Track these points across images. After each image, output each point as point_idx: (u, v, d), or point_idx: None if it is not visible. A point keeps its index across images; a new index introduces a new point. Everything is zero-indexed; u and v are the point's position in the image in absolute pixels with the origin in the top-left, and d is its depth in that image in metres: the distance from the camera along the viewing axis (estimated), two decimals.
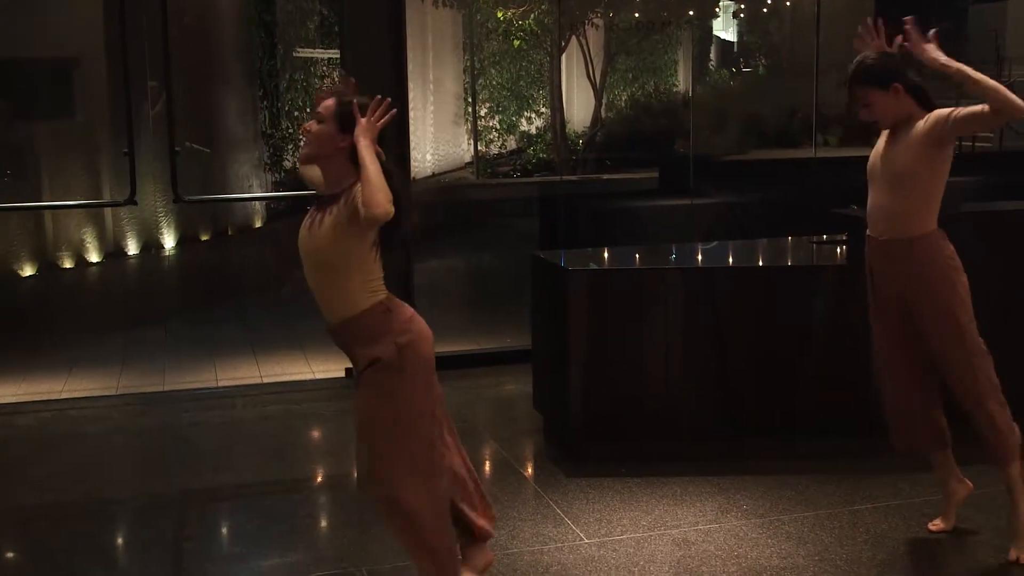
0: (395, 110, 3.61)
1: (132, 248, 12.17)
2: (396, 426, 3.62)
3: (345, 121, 3.59)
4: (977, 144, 15.74)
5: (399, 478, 3.62)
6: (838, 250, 6.02)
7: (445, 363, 7.35)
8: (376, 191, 3.36)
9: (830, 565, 4.42)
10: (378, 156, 3.49)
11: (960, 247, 4.49)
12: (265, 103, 14.22)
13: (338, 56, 7.00)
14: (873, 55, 4.51)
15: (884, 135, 4.52)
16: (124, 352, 8.21)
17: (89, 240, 11.66)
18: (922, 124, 4.31)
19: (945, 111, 4.27)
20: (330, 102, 3.68)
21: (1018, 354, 5.41)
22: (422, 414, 3.68)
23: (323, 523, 5.16)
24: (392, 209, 3.39)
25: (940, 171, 4.39)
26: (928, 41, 4.37)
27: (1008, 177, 11.48)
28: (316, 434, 6.47)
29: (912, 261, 4.40)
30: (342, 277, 3.64)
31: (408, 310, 3.77)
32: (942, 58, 4.30)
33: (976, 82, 4.14)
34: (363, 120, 3.53)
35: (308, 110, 14.69)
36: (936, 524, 4.73)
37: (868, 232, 4.58)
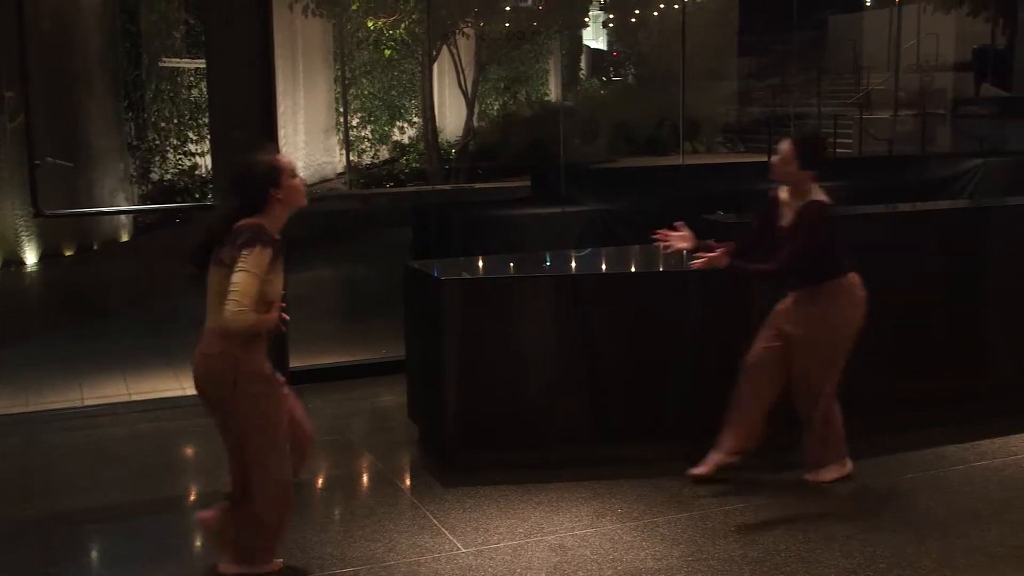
0: None
1: None
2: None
3: None
4: (838, 150, 16.22)
5: None
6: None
7: (319, 375, 7.34)
8: None
9: (704, 565, 4.49)
10: None
11: None
12: (131, 114, 13.90)
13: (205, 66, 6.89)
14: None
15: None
16: None
17: None
18: None
19: None
20: None
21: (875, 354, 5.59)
22: None
23: (196, 542, 5.05)
24: None
25: None
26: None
27: (867, 182, 11.84)
28: (188, 452, 6.33)
29: None
30: None
31: None
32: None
33: None
34: None
35: (175, 120, 14.42)
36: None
37: None
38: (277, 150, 4.41)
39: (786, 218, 5.17)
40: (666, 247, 5.30)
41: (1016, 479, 5.45)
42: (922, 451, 5.79)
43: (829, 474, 5.36)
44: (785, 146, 5.12)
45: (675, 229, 5.28)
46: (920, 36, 18.82)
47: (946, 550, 4.60)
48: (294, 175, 4.24)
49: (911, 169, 12.98)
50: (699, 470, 5.36)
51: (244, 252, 3.99)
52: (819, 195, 5.12)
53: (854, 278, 5.18)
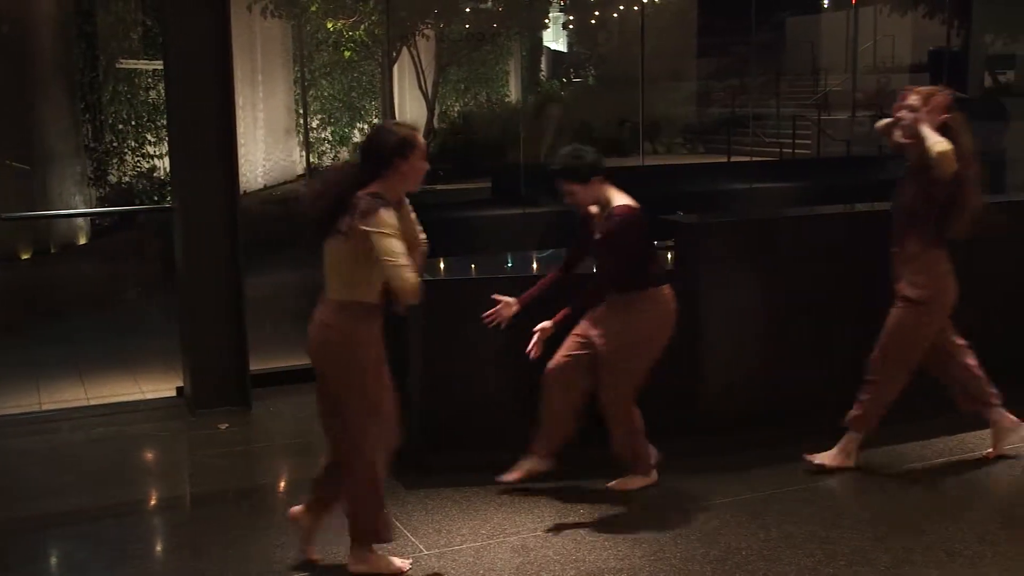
0: None
1: None
2: None
3: None
4: (797, 152, 16.33)
5: None
6: (668, 256, 6.15)
7: (280, 378, 7.30)
8: None
9: (665, 564, 4.51)
10: None
11: (785, 247, 4.66)
12: (88, 116, 13.77)
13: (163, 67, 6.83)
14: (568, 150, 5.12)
15: None
16: None
17: None
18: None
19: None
20: None
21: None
22: None
23: (157, 547, 5.02)
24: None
25: None
26: None
27: (825, 182, 11.95)
28: (148, 456, 6.28)
29: None
30: None
31: None
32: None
33: None
34: None
35: (133, 122, 14.30)
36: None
37: None
38: (415, 127, 4.41)
39: (598, 229, 5.11)
40: (498, 324, 5.15)
41: (974, 476, 5.51)
42: (881, 449, 5.83)
43: (634, 483, 5.31)
44: (558, 184, 5.09)
45: (497, 303, 5.15)
46: (877, 38, 19.01)
47: (905, 547, 4.65)
48: (424, 158, 4.27)
49: (869, 169, 13.09)
50: (509, 476, 5.33)
51: (370, 220, 4.03)
52: (620, 199, 5.04)
53: (667, 291, 5.11)
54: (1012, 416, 5.64)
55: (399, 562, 4.50)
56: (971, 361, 5.59)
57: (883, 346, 5.43)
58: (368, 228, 4.03)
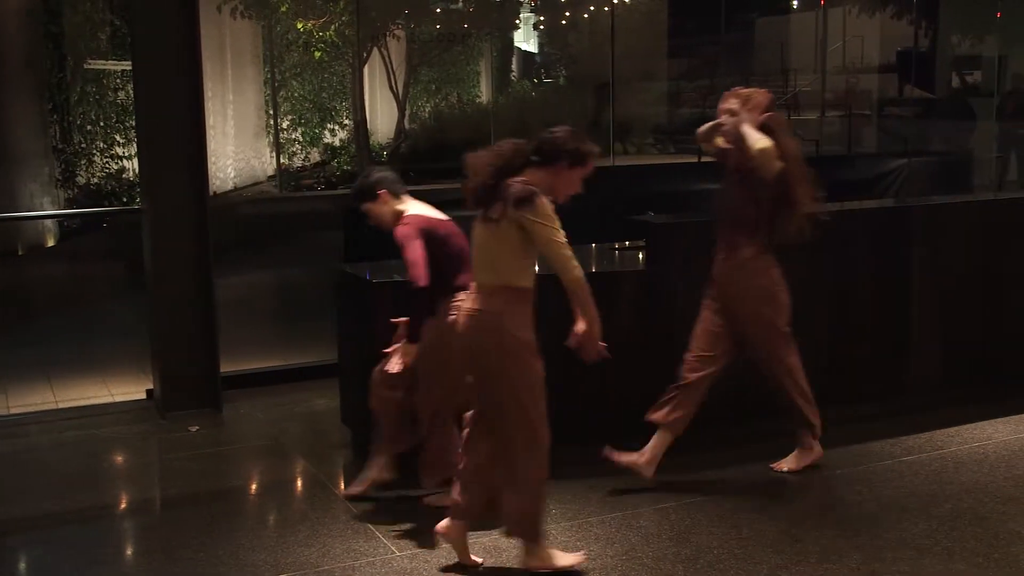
0: None
1: None
2: None
3: None
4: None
5: None
6: (640, 256, 6.17)
7: (252, 380, 7.28)
8: None
9: (637, 563, 4.52)
10: None
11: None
12: (55, 117, 13.66)
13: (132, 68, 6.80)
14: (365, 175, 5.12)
15: None
16: None
17: None
18: None
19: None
20: None
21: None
22: None
23: (127, 551, 4.99)
24: None
25: None
26: None
27: None
28: (117, 459, 6.24)
29: None
30: None
31: None
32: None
33: None
34: None
35: (101, 123, 14.21)
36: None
37: None
38: (594, 144, 4.41)
39: None
40: None
41: (942, 473, 5.55)
42: (850, 447, 5.88)
43: (441, 500, 4.91)
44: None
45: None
46: (846, 38, 19.10)
47: (874, 544, 4.68)
48: (582, 180, 4.33)
49: (838, 169, 13.17)
50: (354, 490, 5.27)
51: (527, 208, 4.08)
52: (411, 209, 5.01)
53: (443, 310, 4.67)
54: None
55: (573, 556, 4.48)
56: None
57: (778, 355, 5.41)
58: (526, 216, 4.08)
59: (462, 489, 4.42)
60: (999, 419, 6.30)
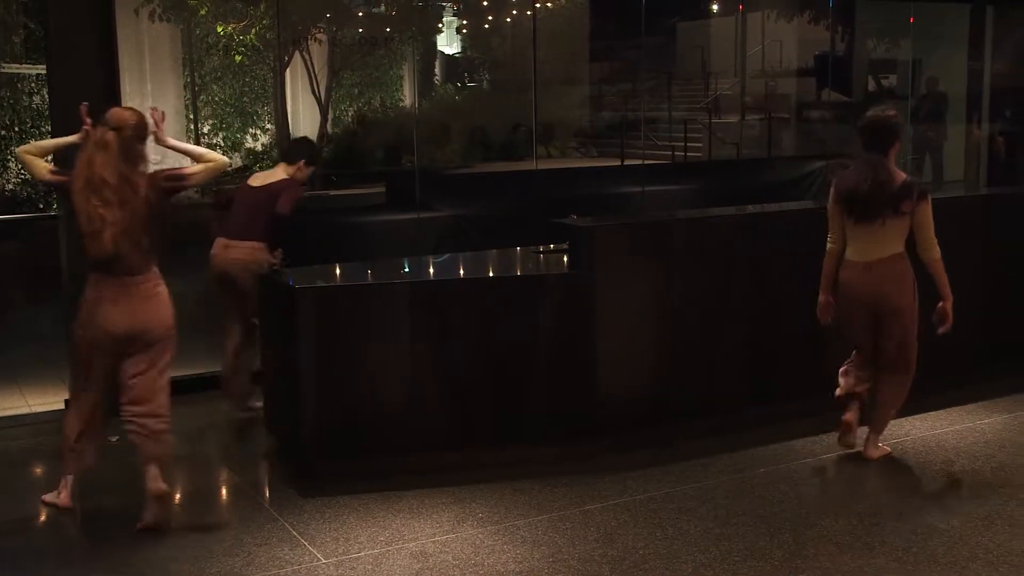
0: None
1: None
2: None
3: None
4: (689, 155, 16.56)
5: None
6: (564, 259, 6.19)
7: (174, 387, 7.16)
8: None
9: (564, 565, 4.53)
10: None
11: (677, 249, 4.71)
12: None
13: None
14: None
15: None
16: None
17: None
18: None
19: None
20: None
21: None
22: None
23: (46, 565, 4.88)
24: None
25: None
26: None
27: (716, 185, 12.14)
28: (36, 471, 6.12)
29: None
30: None
31: None
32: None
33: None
34: None
35: (16, 128, 13.94)
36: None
37: None
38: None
39: None
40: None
41: (861, 470, 5.65)
42: (772, 445, 5.96)
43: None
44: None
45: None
46: (765, 43, 19.35)
47: (797, 541, 4.75)
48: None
49: (758, 172, 13.34)
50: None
51: (928, 199, 5.43)
52: None
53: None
54: None
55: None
56: None
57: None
58: (927, 206, 5.41)
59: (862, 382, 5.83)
60: (916, 416, 6.42)
